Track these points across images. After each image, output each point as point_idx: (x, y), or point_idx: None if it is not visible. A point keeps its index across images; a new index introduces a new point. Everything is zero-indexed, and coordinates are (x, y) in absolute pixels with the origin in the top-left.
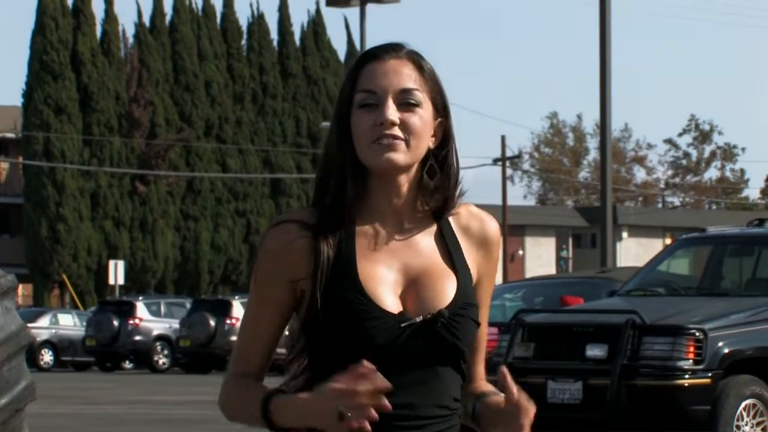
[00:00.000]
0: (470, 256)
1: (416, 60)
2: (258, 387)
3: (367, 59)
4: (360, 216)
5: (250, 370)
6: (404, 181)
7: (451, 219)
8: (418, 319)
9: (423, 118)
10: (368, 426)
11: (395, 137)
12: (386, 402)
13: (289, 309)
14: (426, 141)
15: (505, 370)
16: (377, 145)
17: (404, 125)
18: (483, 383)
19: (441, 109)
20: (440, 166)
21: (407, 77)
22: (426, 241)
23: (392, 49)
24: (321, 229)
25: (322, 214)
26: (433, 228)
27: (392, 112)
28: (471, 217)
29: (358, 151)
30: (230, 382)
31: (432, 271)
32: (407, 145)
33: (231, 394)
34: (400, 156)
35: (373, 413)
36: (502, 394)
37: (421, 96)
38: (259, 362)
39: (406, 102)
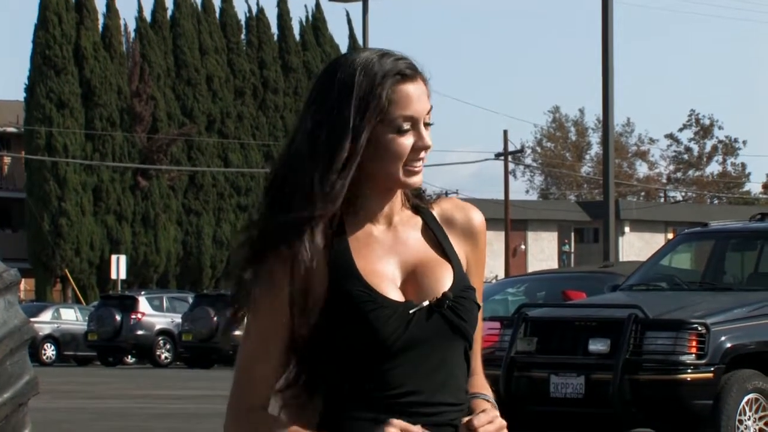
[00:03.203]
0: (457, 246)
1: (424, 76)
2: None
3: (400, 79)
4: (350, 217)
5: (262, 400)
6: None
7: (435, 212)
8: (425, 303)
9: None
10: None
11: (423, 161)
12: None
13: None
14: None
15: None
16: (408, 169)
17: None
18: (478, 378)
19: None
20: None
21: (427, 97)
22: (415, 235)
23: (414, 67)
24: (309, 232)
25: (302, 217)
26: (419, 222)
27: (429, 139)
28: (455, 209)
29: (387, 169)
30: (249, 421)
31: (426, 261)
32: (423, 163)
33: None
34: (422, 177)
35: None
36: (485, 399)
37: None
38: (269, 388)
39: (426, 123)
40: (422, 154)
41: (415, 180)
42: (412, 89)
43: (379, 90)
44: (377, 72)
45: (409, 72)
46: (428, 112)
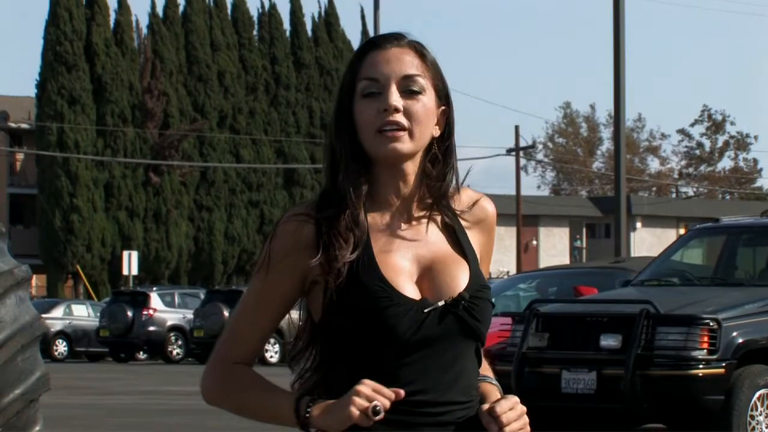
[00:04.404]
0: (473, 238)
1: (418, 48)
2: (278, 388)
3: (369, 48)
4: (369, 206)
5: (245, 357)
6: (410, 169)
7: (453, 204)
8: (441, 303)
9: (426, 105)
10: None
11: (399, 126)
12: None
13: (292, 300)
14: (430, 129)
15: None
16: (382, 135)
17: (408, 112)
18: (482, 368)
19: (443, 97)
20: (443, 154)
21: (409, 64)
22: (433, 229)
23: (394, 38)
24: (331, 216)
25: (328, 202)
26: (438, 215)
27: (396, 99)
28: (470, 200)
29: (364, 141)
30: (229, 370)
31: (443, 258)
32: (411, 133)
33: (235, 385)
34: (404, 146)
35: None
36: (490, 382)
37: (424, 82)
38: (254, 349)
39: (408, 89)
40: (398, 118)
41: (389, 147)
42: (382, 53)
43: (348, 66)
44: (356, 49)
45: (378, 41)
46: (410, 78)
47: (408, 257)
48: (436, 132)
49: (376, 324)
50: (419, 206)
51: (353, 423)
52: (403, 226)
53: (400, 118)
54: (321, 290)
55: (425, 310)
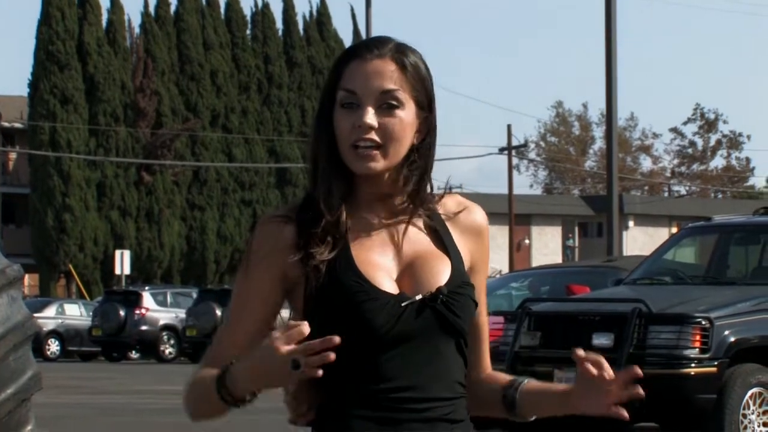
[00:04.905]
0: (461, 243)
1: (399, 58)
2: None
3: (350, 57)
4: (348, 207)
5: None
6: (388, 177)
7: (438, 209)
8: (418, 297)
9: (403, 120)
10: (320, 372)
11: (373, 143)
12: (330, 355)
13: (273, 302)
14: (406, 143)
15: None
16: (355, 152)
17: (383, 129)
18: (494, 373)
19: (426, 105)
20: (420, 160)
21: (389, 78)
22: (415, 229)
23: (375, 47)
24: (310, 219)
25: (310, 204)
26: (421, 217)
27: (371, 117)
28: (457, 206)
29: (340, 151)
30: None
31: (425, 254)
32: (385, 151)
33: (195, 389)
34: (378, 164)
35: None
36: (537, 381)
37: (403, 96)
38: (235, 353)
39: (386, 104)
40: (372, 135)
41: (363, 167)
42: (362, 65)
43: (330, 72)
44: (339, 55)
45: (360, 51)
46: (387, 93)
47: (387, 255)
48: (417, 139)
49: (353, 318)
50: (399, 208)
51: (272, 370)
52: (384, 225)
53: (374, 135)
54: (302, 289)
55: (402, 304)
